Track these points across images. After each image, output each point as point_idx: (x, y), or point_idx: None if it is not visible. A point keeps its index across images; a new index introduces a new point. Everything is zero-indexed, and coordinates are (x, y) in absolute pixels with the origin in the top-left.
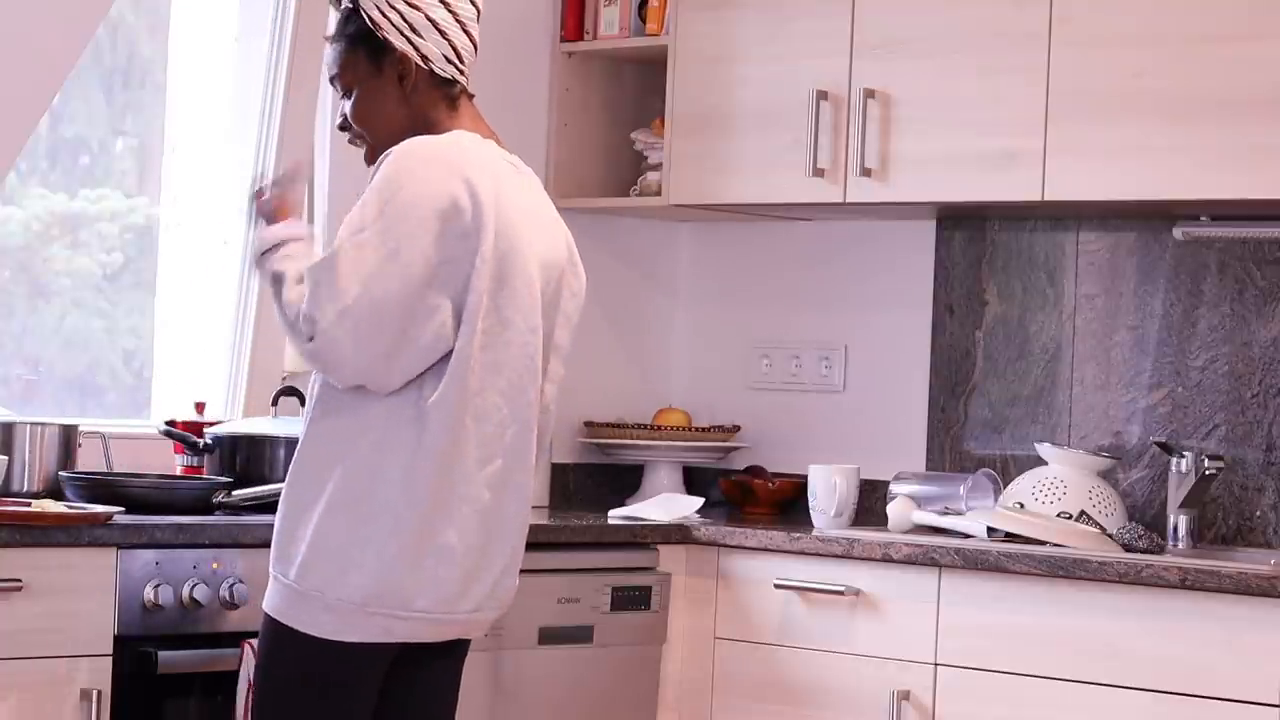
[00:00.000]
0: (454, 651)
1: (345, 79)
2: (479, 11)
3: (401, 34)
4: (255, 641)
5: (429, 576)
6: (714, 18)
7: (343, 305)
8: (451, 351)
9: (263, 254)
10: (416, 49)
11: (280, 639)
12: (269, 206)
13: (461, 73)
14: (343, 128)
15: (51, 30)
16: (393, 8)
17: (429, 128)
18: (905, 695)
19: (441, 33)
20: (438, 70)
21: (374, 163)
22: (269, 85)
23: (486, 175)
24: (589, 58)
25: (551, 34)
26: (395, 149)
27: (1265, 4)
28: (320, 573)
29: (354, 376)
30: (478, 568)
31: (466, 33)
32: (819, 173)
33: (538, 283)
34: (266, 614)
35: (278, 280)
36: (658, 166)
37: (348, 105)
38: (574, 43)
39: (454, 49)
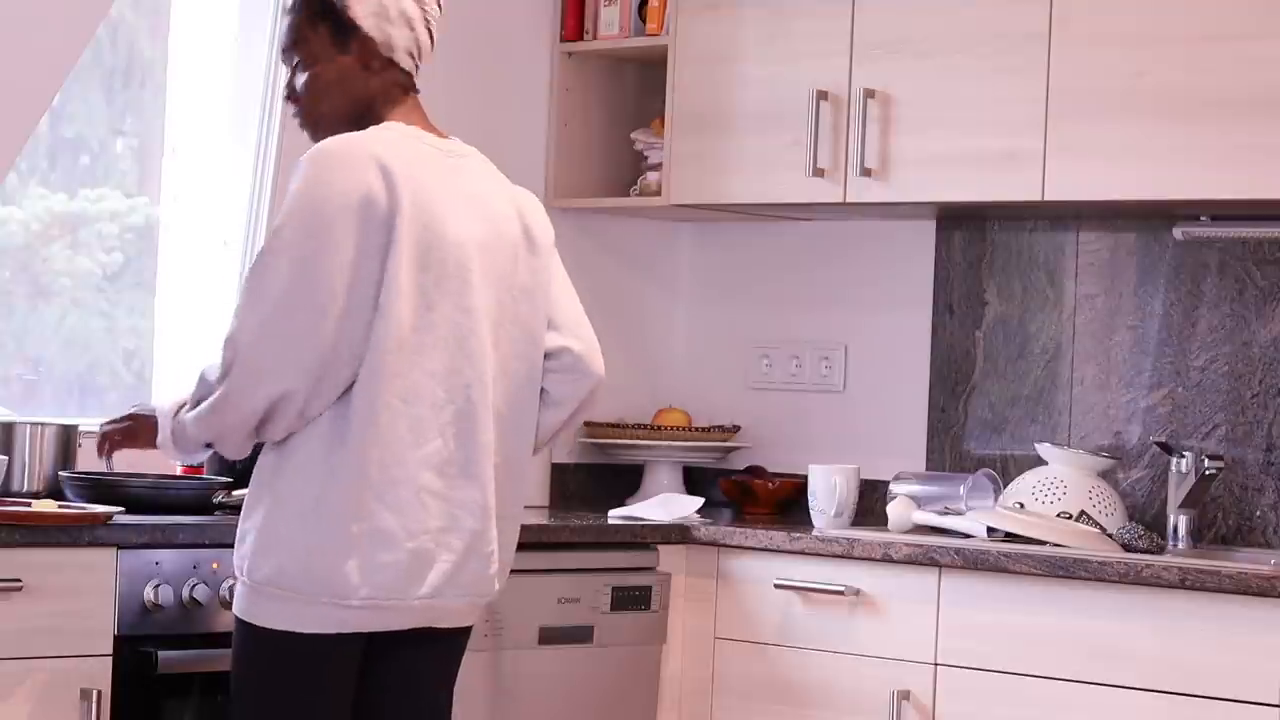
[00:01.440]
0: (438, 642)
1: (302, 52)
2: (439, 15)
3: (374, 17)
4: None
5: (369, 562)
6: (714, 18)
7: (262, 316)
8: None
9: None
10: (387, 37)
11: (245, 637)
12: (117, 438)
13: (416, 69)
14: (289, 99)
15: (51, 30)
16: None
17: (372, 115)
18: (905, 695)
19: (410, 25)
20: (398, 61)
21: (315, 139)
22: (269, 85)
23: (400, 162)
24: (589, 58)
25: (551, 34)
26: (305, 157)
27: (1266, 4)
28: (266, 566)
29: (282, 386)
30: (429, 552)
31: (429, 31)
32: (819, 173)
33: (474, 264)
34: (236, 618)
35: (185, 421)
36: (658, 166)
37: (300, 79)
38: (574, 43)
39: (417, 44)
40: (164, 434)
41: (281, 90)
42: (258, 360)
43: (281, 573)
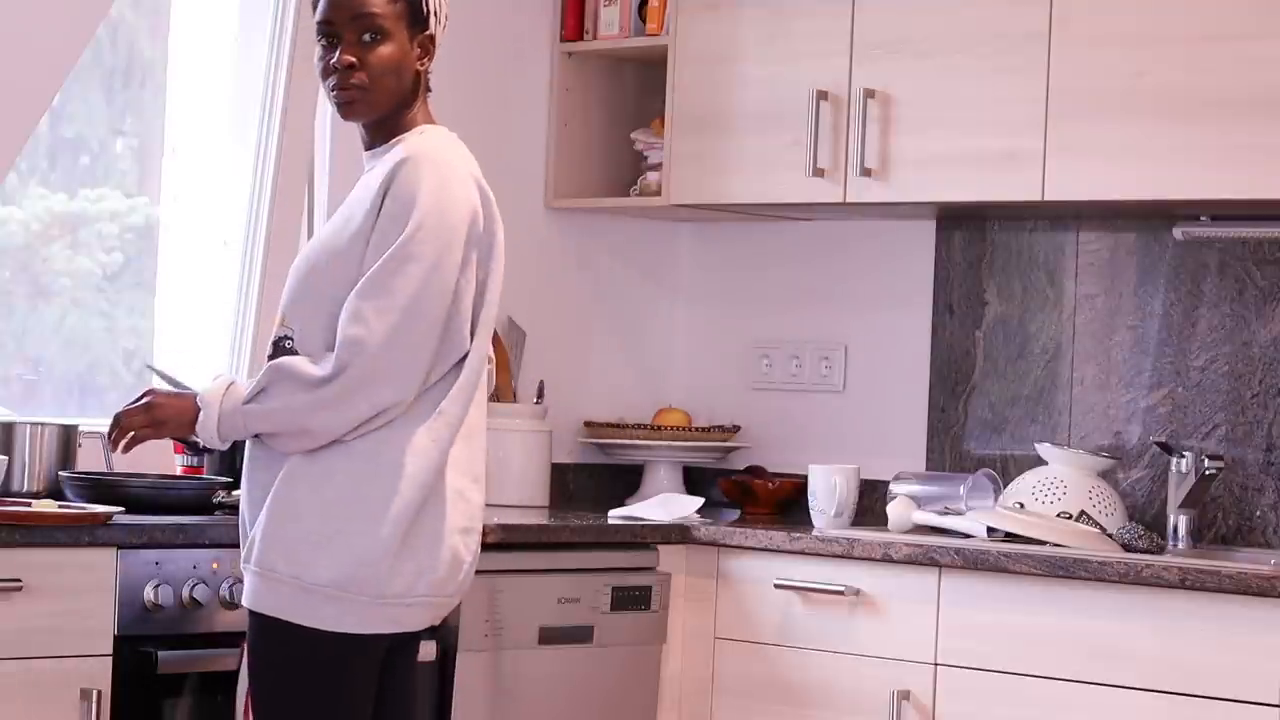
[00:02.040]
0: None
1: (382, 23)
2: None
3: (437, 18)
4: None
5: (420, 562)
6: (714, 18)
7: (392, 323)
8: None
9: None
10: (436, 38)
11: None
12: (146, 431)
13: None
14: (349, 68)
15: (51, 30)
16: None
17: (410, 109)
18: (905, 695)
19: (443, 33)
20: (430, 61)
21: (354, 116)
22: (269, 85)
23: (480, 178)
24: (589, 58)
25: (551, 34)
26: (414, 158)
27: (1266, 4)
28: (326, 568)
29: (393, 396)
30: (459, 552)
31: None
32: (819, 173)
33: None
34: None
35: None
36: (658, 166)
37: (371, 51)
38: (574, 43)
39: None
40: (209, 420)
41: (328, 59)
42: (383, 366)
43: (346, 575)
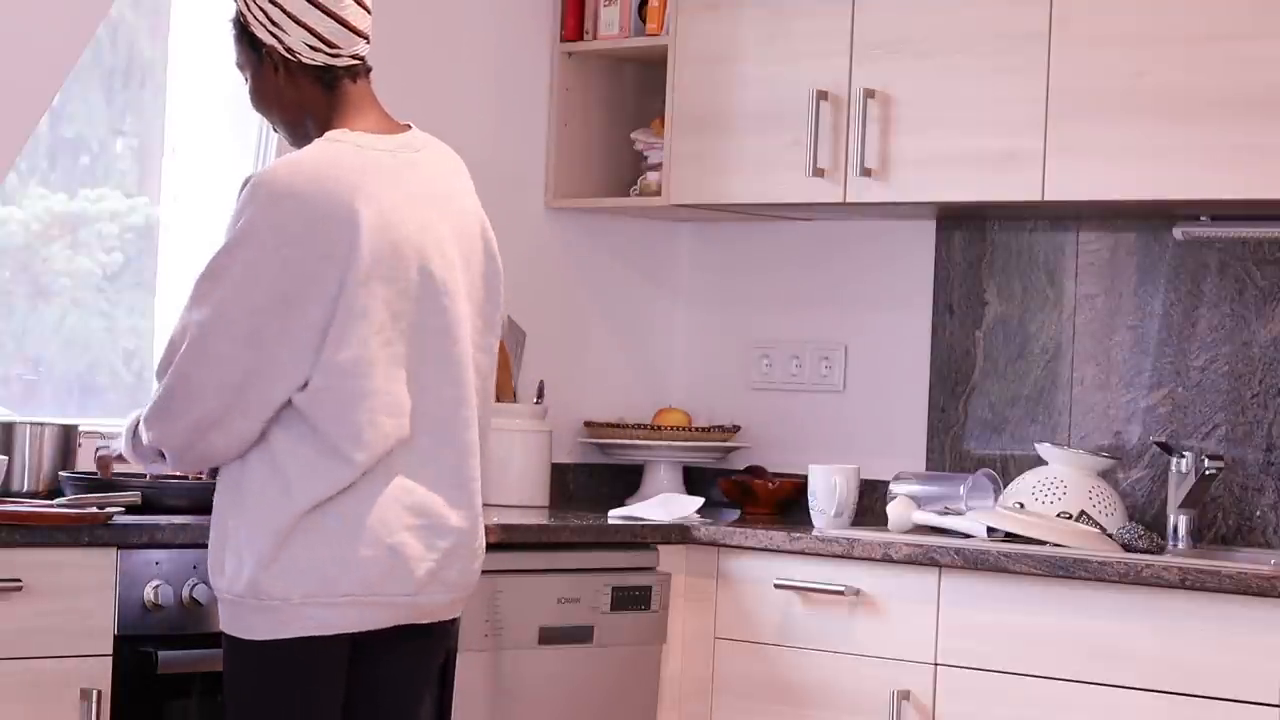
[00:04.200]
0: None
1: (239, 64)
2: None
3: (265, 28)
4: None
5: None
6: (714, 18)
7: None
8: None
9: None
10: (280, 41)
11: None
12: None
13: (336, 56)
14: (258, 111)
15: (51, 30)
16: (254, 3)
17: (313, 113)
18: (905, 695)
19: (298, 22)
20: (305, 60)
21: (292, 142)
22: None
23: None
24: (589, 58)
25: (551, 34)
26: (251, 185)
27: (1265, 4)
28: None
29: None
30: (407, 548)
31: (332, 15)
32: (819, 173)
33: (435, 264)
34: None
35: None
36: (658, 166)
37: (250, 92)
38: (574, 43)
39: (316, 35)
40: (123, 451)
41: None
42: None
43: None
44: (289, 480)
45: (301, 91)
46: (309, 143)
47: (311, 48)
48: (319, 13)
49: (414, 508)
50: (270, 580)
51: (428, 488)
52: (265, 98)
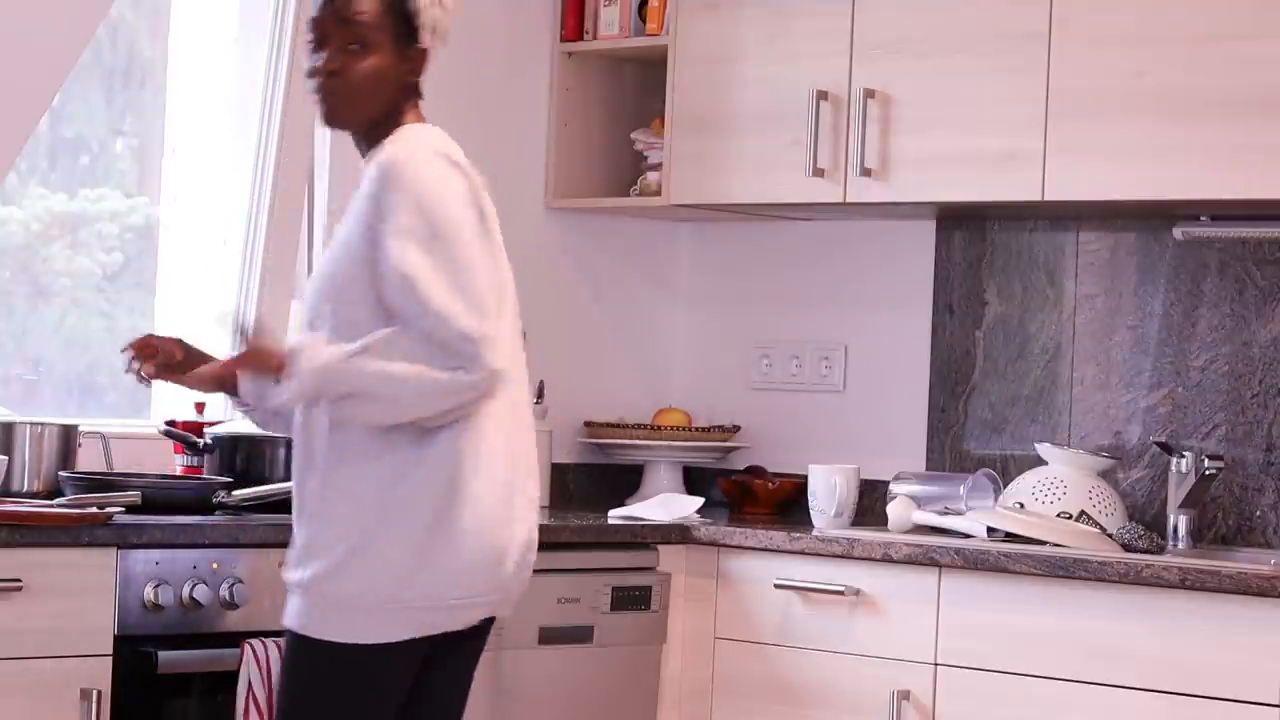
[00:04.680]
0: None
1: (367, 34)
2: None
3: (435, 33)
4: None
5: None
6: (714, 18)
7: (486, 306)
8: None
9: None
10: (437, 23)
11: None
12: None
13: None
14: (330, 75)
15: (51, 30)
16: (438, 4)
17: (395, 119)
18: (905, 695)
19: (441, 37)
20: (436, 46)
21: (332, 123)
22: (269, 85)
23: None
24: (589, 58)
25: (551, 34)
26: (400, 158)
27: (1265, 4)
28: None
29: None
30: (506, 546)
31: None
32: (819, 173)
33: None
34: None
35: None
36: (658, 166)
37: (354, 60)
38: (574, 43)
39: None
40: (314, 361)
41: (299, 71)
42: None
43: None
44: (449, 478)
45: (403, 99)
46: (374, 126)
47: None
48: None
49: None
50: (412, 586)
51: (525, 476)
52: (373, 87)
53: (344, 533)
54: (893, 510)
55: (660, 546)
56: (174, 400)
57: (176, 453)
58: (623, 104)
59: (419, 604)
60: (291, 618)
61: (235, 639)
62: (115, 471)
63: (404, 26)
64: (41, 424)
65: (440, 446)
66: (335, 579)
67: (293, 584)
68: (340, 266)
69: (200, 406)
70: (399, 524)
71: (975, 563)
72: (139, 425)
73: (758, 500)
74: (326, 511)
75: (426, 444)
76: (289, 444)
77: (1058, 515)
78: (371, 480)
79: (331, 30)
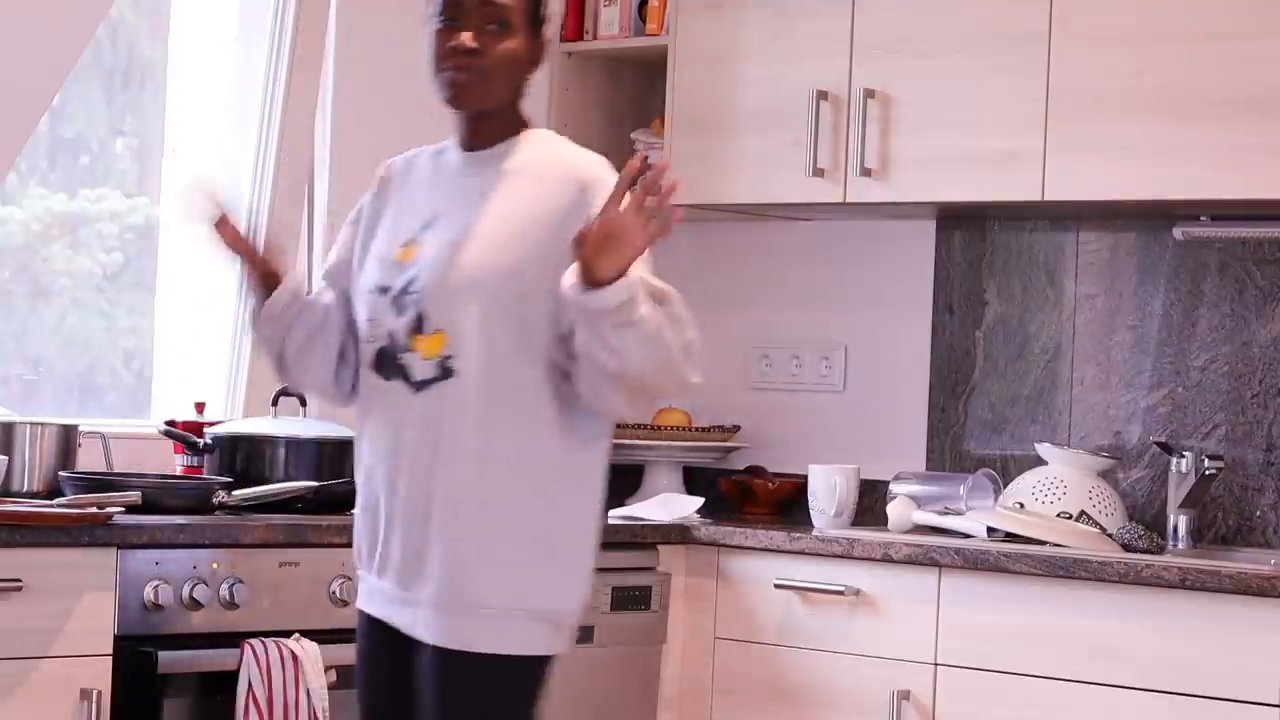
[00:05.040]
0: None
1: (508, 15)
2: None
3: (549, 26)
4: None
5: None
6: (714, 18)
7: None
8: None
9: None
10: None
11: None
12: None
13: None
14: (471, 52)
15: (51, 30)
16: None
17: (512, 108)
18: (905, 695)
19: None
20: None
21: (464, 104)
22: (269, 85)
23: None
24: (589, 58)
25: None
26: (606, 174)
27: (1265, 4)
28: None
29: None
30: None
31: None
32: (819, 173)
33: None
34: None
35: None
36: None
37: (494, 41)
38: (574, 43)
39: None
40: (634, 277)
41: (447, 42)
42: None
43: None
44: (599, 482)
45: (522, 89)
46: (498, 113)
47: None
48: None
49: None
50: (583, 594)
51: None
52: (511, 69)
53: (546, 547)
54: (893, 510)
55: (660, 546)
56: (174, 400)
57: (176, 453)
58: (623, 104)
59: (577, 618)
60: (488, 641)
61: (235, 639)
62: (115, 471)
63: (536, 13)
64: (41, 424)
65: (601, 460)
66: (538, 596)
67: (487, 607)
68: (533, 275)
69: (200, 406)
70: (585, 539)
71: (975, 563)
72: (139, 425)
73: (758, 500)
74: (521, 528)
75: (597, 456)
76: (289, 444)
77: (1058, 515)
78: (576, 500)
79: (471, 10)
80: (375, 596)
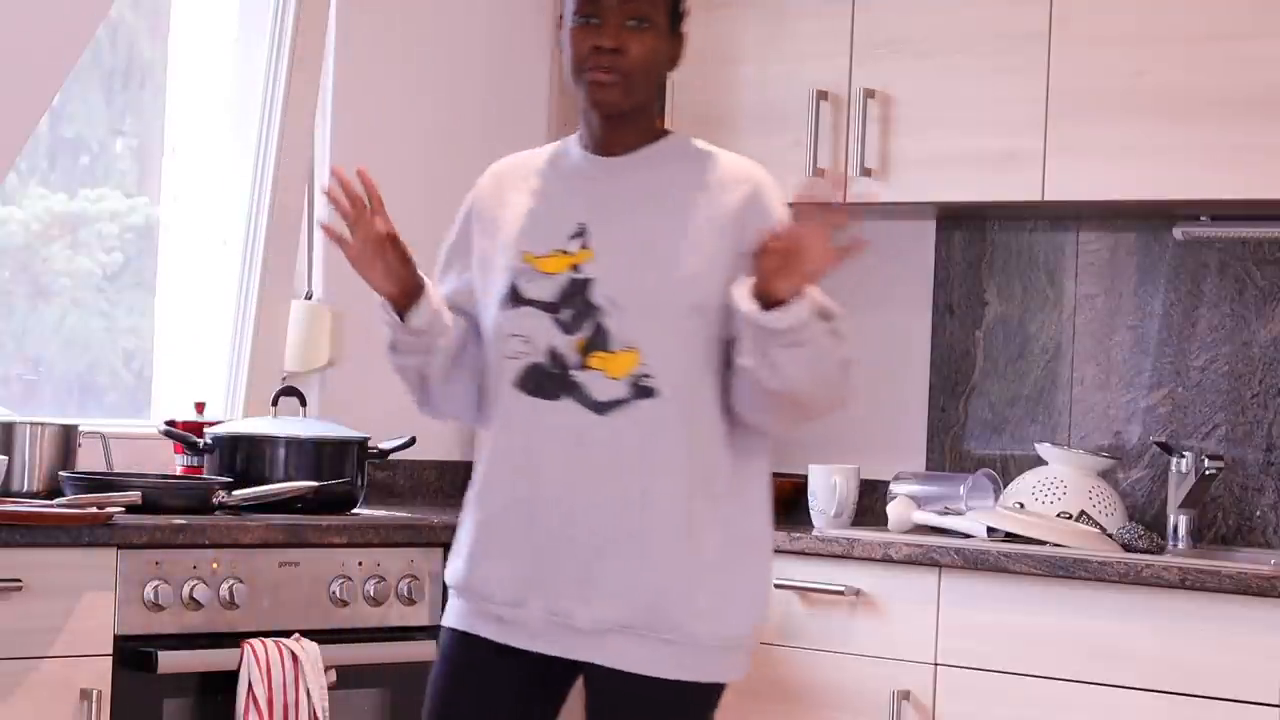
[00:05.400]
0: None
1: (649, 11)
2: None
3: (689, 20)
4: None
5: None
6: (714, 18)
7: None
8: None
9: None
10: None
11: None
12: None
13: None
14: (614, 51)
15: (51, 30)
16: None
17: (650, 109)
18: (905, 695)
19: None
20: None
21: (609, 106)
22: (269, 85)
23: None
24: None
25: (551, 34)
26: (765, 176)
27: (1265, 4)
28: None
29: None
30: None
31: None
32: (819, 173)
33: None
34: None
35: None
36: None
37: (635, 38)
38: None
39: None
40: (811, 299)
41: (589, 41)
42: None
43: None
44: (770, 499)
45: (676, 63)
46: (638, 113)
47: None
48: None
49: None
50: (767, 616)
51: None
52: (655, 60)
53: (741, 571)
54: (893, 510)
55: None
56: (174, 400)
57: (176, 453)
58: None
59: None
60: (691, 669)
61: (235, 639)
62: (115, 471)
63: (676, 8)
64: (41, 424)
65: (769, 476)
66: (735, 622)
67: (692, 633)
68: (687, 284)
69: (200, 406)
70: (767, 558)
71: (975, 563)
72: (139, 425)
73: None
74: (720, 550)
75: (767, 472)
76: (289, 444)
77: (1058, 515)
78: (759, 519)
79: (611, 6)
80: (512, 626)
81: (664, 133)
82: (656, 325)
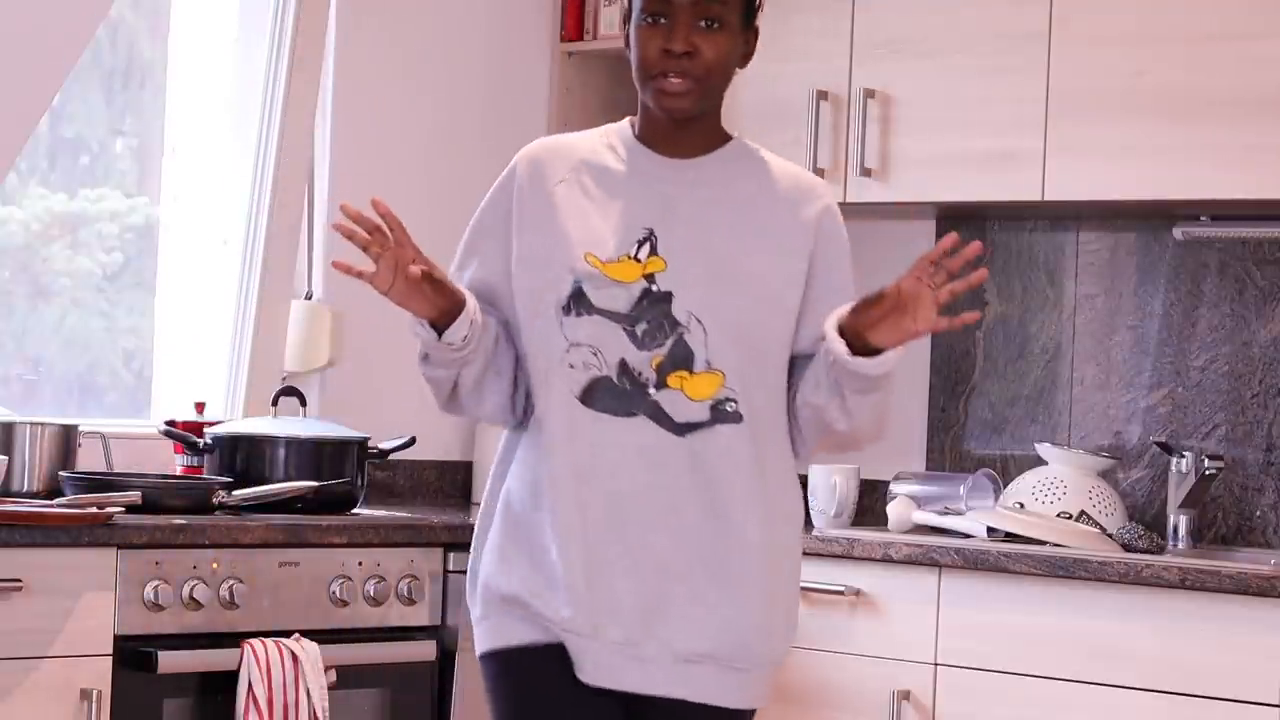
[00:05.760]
0: None
1: (722, 11)
2: None
3: (761, 15)
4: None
5: None
6: None
7: None
8: None
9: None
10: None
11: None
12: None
13: None
14: (687, 54)
15: (51, 30)
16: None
17: (718, 111)
18: (905, 695)
19: None
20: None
21: (682, 110)
22: (269, 85)
23: None
24: (589, 58)
25: (551, 34)
26: (831, 198)
27: (1266, 4)
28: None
29: None
30: None
31: None
32: (819, 173)
33: None
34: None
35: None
36: None
37: (708, 39)
38: (574, 43)
39: None
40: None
41: (660, 44)
42: None
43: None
44: None
45: (747, 61)
46: (707, 116)
47: None
48: None
49: None
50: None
51: None
52: (727, 61)
53: (795, 593)
54: (893, 510)
55: None
56: (174, 400)
57: (176, 453)
58: (623, 104)
59: None
60: (758, 696)
61: (235, 639)
62: (115, 471)
63: (750, 8)
64: (41, 424)
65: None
66: (785, 648)
67: (763, 661)
68: (768, 307)
69: (200, 406)
70: (799, 581)
71: (975, 563)
72: (139, 425)
73: None
74: (788, 576)
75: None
76: (289, 444)
77: (1058, 515)
78: (801, 538)
79: (682, 8)
80: (577, 656)
81: (728, 137)
82: (744, 350)
